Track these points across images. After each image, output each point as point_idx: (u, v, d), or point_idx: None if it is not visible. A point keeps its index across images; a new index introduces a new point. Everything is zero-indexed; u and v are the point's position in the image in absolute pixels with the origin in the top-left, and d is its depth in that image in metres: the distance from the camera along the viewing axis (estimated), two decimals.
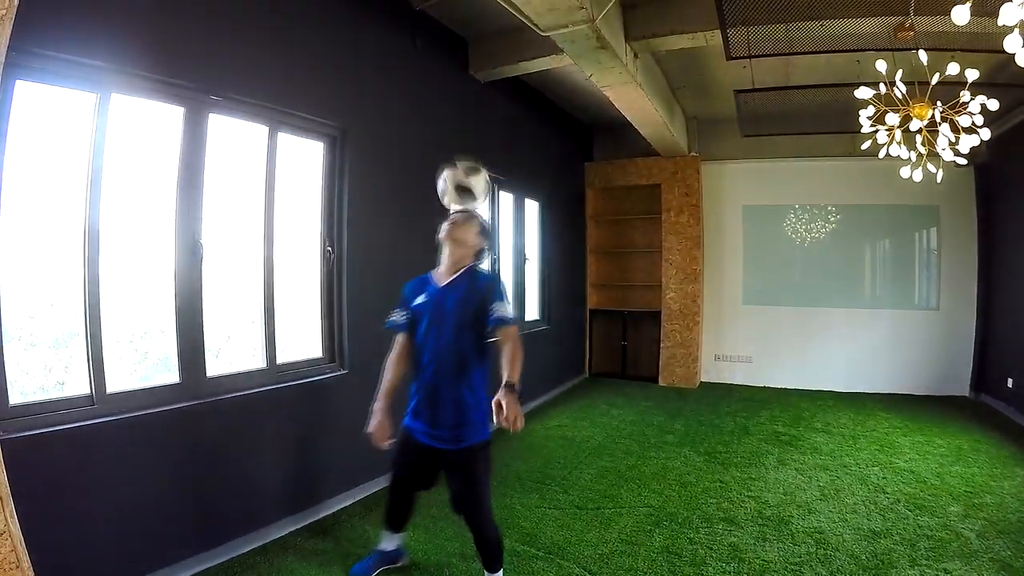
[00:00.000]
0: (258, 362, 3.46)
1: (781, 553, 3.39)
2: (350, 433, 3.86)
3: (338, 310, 3.89)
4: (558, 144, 7.36)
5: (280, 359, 3.55)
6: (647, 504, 4.02)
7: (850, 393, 7.39)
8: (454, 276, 2.75)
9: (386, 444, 2.76)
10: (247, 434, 3.26)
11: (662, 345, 7.84)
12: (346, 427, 3.85)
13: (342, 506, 3.86)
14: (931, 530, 3.68)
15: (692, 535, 3.58)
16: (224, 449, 3.13)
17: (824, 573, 3.18)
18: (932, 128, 4.16)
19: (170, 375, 3.01)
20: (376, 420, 2.78)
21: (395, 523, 3.02)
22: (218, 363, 3.27)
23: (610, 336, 8.30)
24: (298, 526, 3.55)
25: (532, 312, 6.83)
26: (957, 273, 7.22)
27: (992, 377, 6.84)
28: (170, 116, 3.01)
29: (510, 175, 6.01)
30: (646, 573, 3.15)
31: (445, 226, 2.78)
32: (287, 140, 3.63)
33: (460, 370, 2.65)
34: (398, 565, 3.12)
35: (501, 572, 2.82)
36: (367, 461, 4.00)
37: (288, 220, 3.65)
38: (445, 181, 2.92)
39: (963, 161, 4.43)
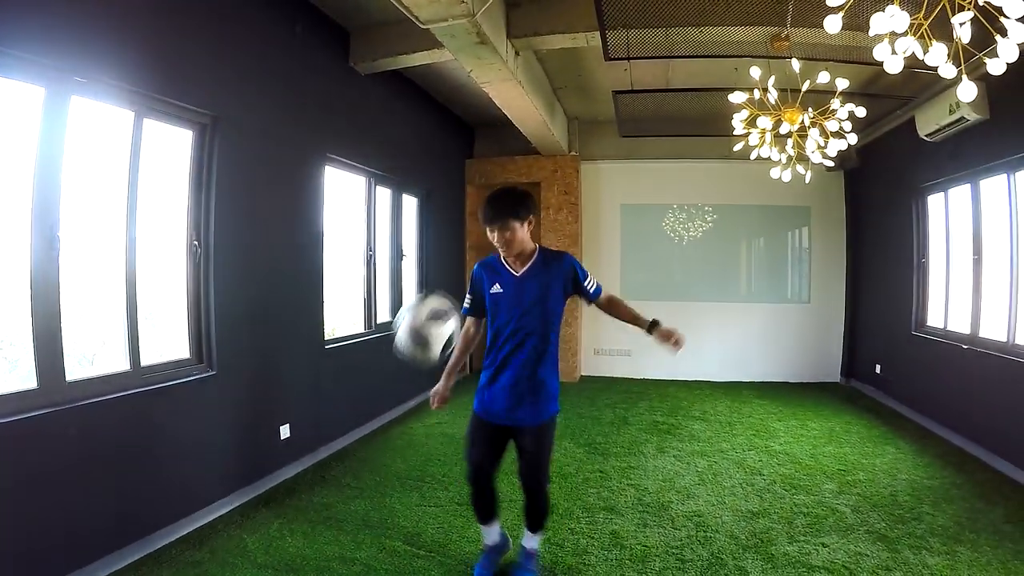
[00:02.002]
0: (121, 364, 3.23)
1: (662, 537, 3.56)
2: (222, 437, 3.72)
3: (206, 309, 3.69)
4: (439, 140, 7.34)
5: (145, 361, 3.32)
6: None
7: (727, 383, 7.85)
8: (529, 264, 2.85)
9: (441, 406, 3.04)
10: (111, 442, 3.03)
11: None
12: (217, 430, 3.70)
13: (217, 515, 3.67)
14: (807, 507, 3.97)
15: (573, 525, 3.69)
16: (87, 459, 2.90)
17: (705, 554, 3.36)
18: (802, 133, 4.50)
19: (26, 381, 2.76)
20: (441, 386, 3.05)
21: (486, 515, 3.06)
22: (79, 368, 3.02)
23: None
24: (172, 538, 3.35)
25: None
26: (827, 269, 7.85)
27: (861, 364, 7.52)
28: (29, 97, 2.75)
29: (388, 170, 5.93)
30: None
31: (491, 235, 2.79)
32: (154, 127, 3.41)
33: (543, 350, 2.82)
34: (507, 552, 3.22)
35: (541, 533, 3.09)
36: (240, 467, 3.89)
37: (153, 213, 3.42)
38: (405, 319, 2.86)
39: (831, 164, 4.81)
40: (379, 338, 5.71)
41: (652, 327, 2.87)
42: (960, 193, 5.46)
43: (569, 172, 7.81)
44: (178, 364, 3.55)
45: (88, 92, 2.97)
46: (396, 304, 6.30)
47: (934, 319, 5.97)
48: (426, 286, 6.97)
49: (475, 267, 2.94)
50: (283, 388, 4.34)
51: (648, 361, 7.93)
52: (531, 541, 3.09)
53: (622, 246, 8.21)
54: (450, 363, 3.04)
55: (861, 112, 4.19)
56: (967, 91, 2.47)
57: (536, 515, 2.98)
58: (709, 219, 8.01)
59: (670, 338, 2.83)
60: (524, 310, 2.80)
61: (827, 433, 5.63)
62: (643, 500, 4.08)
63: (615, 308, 2.99)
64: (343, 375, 5.09)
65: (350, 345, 5.25)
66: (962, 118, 4.79)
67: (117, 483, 3.04)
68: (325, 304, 4.86)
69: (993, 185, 4.97)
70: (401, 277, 6.43)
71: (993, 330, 4.93)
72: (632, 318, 2.94)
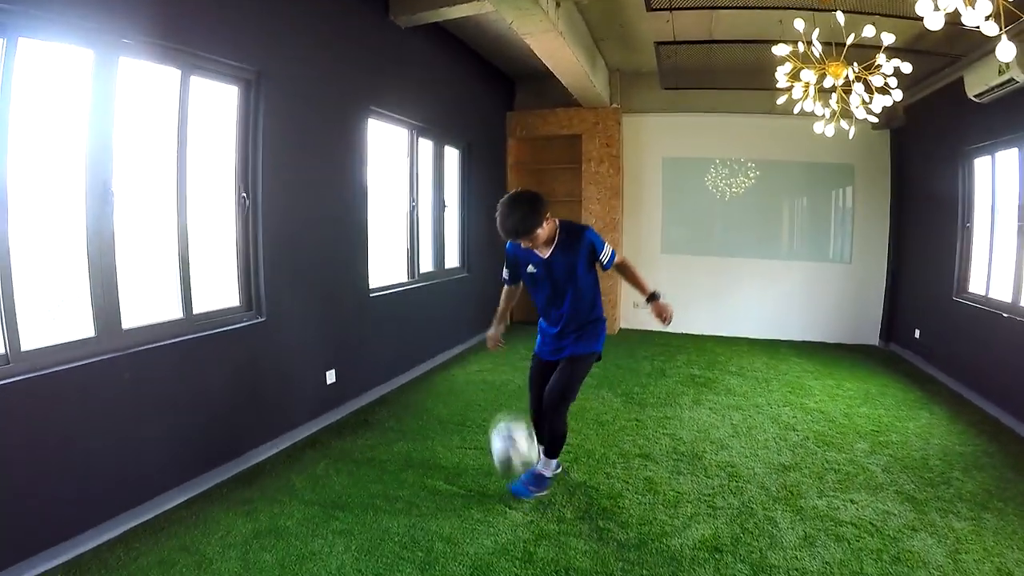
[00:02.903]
0: (175, 312, 3.40)
1: (695, 485, 3.69)
2: (270, 382, 3.91)
3: (254, 258, 3.84)
4: (480, 93, 7.34)
5: (197, 309, 3.49)
6: (566, 443, 4.22)
7: (764, 340, 7.85)
8: (553, 246, 3.21)
9: (495, 347, 3.67)
10: (167, 387, 3.22)
11: None
12: (266, 375, 3.89)
13: (265, 456, 3.89)
14: (838, 465, 4.04)
15: (609, 470, 3.83)
16: (144, 403, 3.09)
17: (735, 503, 3.48)
18: (847, 88, 4.40)
19: (85, 329, 2.92)
20: (493, 331, 3.63)
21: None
22: (134, 315, 3.18)
23: None
24: (223, 478, 3.56)
25: (452, 260, 6.89)
26: (869, 230, 7.66)
27: (900, 328, 7.42)
28: (79, 60, 2.86)
29: (430, 122, 5.99)
30: (565, 506, 3.37)
31: (525, 241, 3.12)
32: (201, 84, 3.50)
33: (582, 309, 3.31)
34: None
35: (557, 460, 3.54)
36: (287, 411, 4.09)
37: (202, 167, 3.55)
38: (504, 442, 3.23)
39: (876, 120, 4.69)
40: (421, 287, 5.86)
41: (651, 298, 3.38)
42: (1007, 157, 5.28)
43: (610, 124, 7.74)
44: (228, 311, 3.73)
45: (135, 53, 3.07)
46: (439, 255, 6.43)
47: (976, 286, 5.84)
48: (468, 237, 7.07)
49: (508, 246, 3.33)
50: (329, 335, 4.52)
51: (687, 316, 7.90)
52: (542, 465, 3.46)
53: (663, 200, 8.14)
54: (498, 313, 3.60)
55: (907, 68, 4.07)
56: (1006, 51, 2.42)
57: (550, 437, 3.38)
58: (752, 175, 7.86)
59: (661, 313, 3.36)
60: (558, 284, 3.25)
61: (863, 394, 5.63)
62: (678, 449, 4.19)
63: (625, 271, 3.43)
64: (386, 323, 5.26)
65: (394, 294, 5.41)
66: (1011, 79, 4.58)
67: (169, 426, 3.22)
68: (370, 254, 5.00)
69: None
70: (444, 228, 6.53)
71: None
72: (636, 283, 3.43)
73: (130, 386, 3.01)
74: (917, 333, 6.86)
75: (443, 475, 3.69)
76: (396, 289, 5.50)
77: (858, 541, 3.11)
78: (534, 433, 3.34)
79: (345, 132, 4.66)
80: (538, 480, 3.45)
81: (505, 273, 3.43)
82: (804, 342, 7.82)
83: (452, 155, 6.78)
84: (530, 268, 3.26)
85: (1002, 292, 5.28)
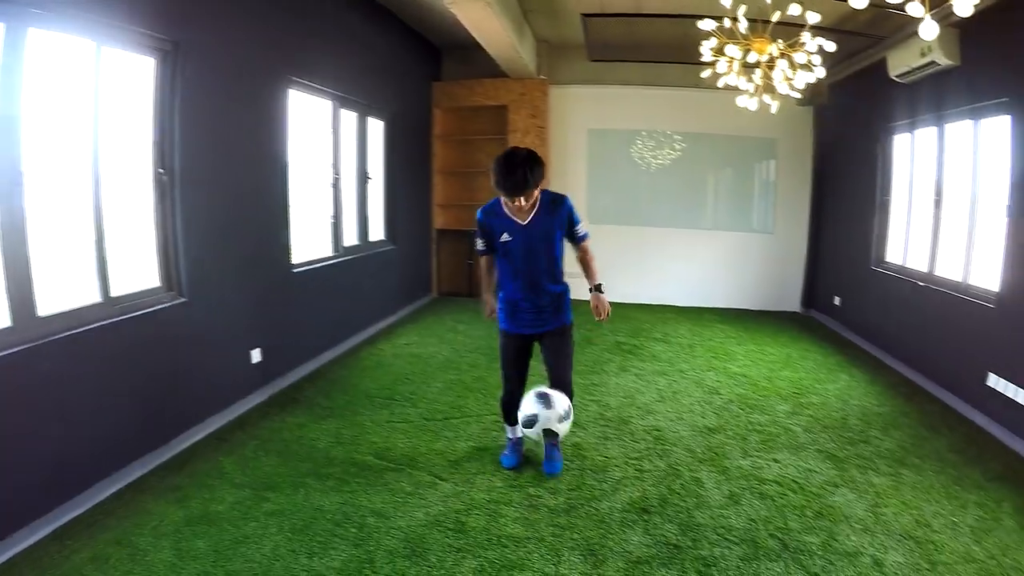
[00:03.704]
0: (93, 296, 3.18)
1: (622, 450, 3.77)
2: (195, 364, 3.75)
3: (173, 236, 3.63)
4: (405, 62, 7.16)
5: (116, 292, 3.27)
6: (493, 412, 4.25)
7: (690, 308, 8.05)
8: (533, 213, 3.12)
9: (490, 316, 3.45)
10: (89, 375, 3.03)
11: None
12: (190, 357, 3.72)
13: (194, 440, 3.74)
14: (761, 426, 4.19)
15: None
16: (67, 394, 2.90)
17: (662, 465, 3.58)
18: (771, 64, 4.50)
19: (1, 319, 2.69)
20: (489, 305, 3.43)
21: (514, 419, 3.35)
22: (50, 302, 2.93)
23: (457, 256, 8.41)
24: (153, 465, 3.41)
25: (377, 233, 6.75)
26: (791, 202, 7.96)
27: (820, 295, 7.76)
28: None
29: (353, 93, 5.81)
30: (493, 475, 3.40)
31: (512, 201, 3.00)
32: (116, 56, 3.25)
33: (556, 275, 3.27)
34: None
35: None
36: (214, 392, 3.95)
37: (117, 143, 3.31)
38: (537, 414, 2.99)
39: (799, 96, 4.82)
40: (346, 261, 5.73)
41: (596, 288, 3.35)
42: (925, 135, 5.52)
43: (537, 95, 7.72)
44: (149, 293, 3.52)
45: (46, 23, 2.81)
46: (363, 228, 6.28)
47: (893, 255, 6.13)
48: (393, 209, 6.95)
49: (479, 215, 3.20)
50: (253, 313, 4.35)
51: (613, 285, 7.89)
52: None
53: (588, 171, 8.20)
54: (485, 285, 3.44)
55: (831, 47, 4.19)
56: (929, 29, 2.51)
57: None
58: (677, 147, 8.01)
59: (599, 307, 3.32)
60: (533, 253, 3.16)
61: (784, 359, 5.85)
62: (604, 415, 4.27)
63: (585, 256, 3.38)
64: (312, 299, 5.12)
65: (318, 269, 5.26)
66: (932, 62, 4.79)
67: (94, 416, 3.05)
68: (292, 229, 4.83)
69: (958, 130, 5.02)
70: (367, 200, 6.38)
71: (949, 269, 5.08)
72: (590, 269, 3.40)
73: (51, 376, 2.80)
74: (837, 300, 7.17)
75: (372, 450, 3.65)
76: (320, 264, 5.33)
77: (782, 498, 3.24)
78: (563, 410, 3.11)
79: (265, 104, 4.46)
80: (556, 446, 3.53)
81: (480, 244, 3.27)
82: (728, 309, 8.07)
83: (376, 126, 6.60)
84: (504, 237, 3.15)
85: (918, 262, 5.55)
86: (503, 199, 3.06)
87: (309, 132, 5.27)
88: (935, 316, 5.08)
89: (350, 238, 6.00)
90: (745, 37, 4.30)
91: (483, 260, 3.38)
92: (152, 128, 3.52)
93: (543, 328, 3.29)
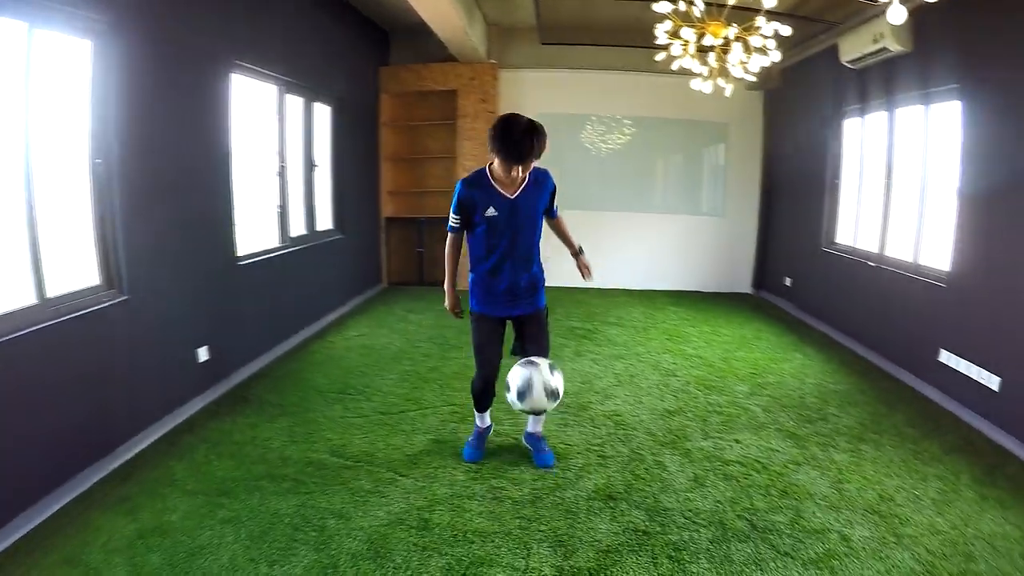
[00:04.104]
0: (28, 298, 2.90)
1: (583, 436, 3.72)
2: (139, 365, 3.52)
3: (112, 231, 3.37)
4: (352, 46, 6.94)
5: (52, 292, 3.00)
6: (450, 403, 4.17)
7: (642, 291, 8.07)
8: (522, 187, 2.99)
9: (458, 314, 3.34)
10: (26, 383, 2.77)
11: None
12: (134, 359, 3.48)
13: (141, 447, 3.48)
14: (720, 407, 4.20)
15: (496, 427, 3.76)
16: (2, 405, 2.65)
17: (624, 450, 3.54)
18: (726, 48, 4.47)
19: None
20: (450, 301, 3.30)
21: (488, 403, 3.40)
22: None
23: (406, 244, 8.25)
24: (99, 476, 3.14)
25: (324, 222, 6.53)
26: (742, 185, 8.05)
27: (771, 276, 7.88)
28: None
29: (299, 77, 5.56)
30: (455, 469, 3.30)
31: (511, 171, 2.84)
32: (49, 38, 2.98)
33: (535, 255, 3.18)
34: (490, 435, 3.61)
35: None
36: (160, 395, 3.71)
37: (50, 132, 3.04)
38: (531, 380, 2.83)
39: (753, 80, 4.81)
40: (293, 252, 5.52)
41: (579, 252, 3.40)
42: (876, 119, 5.61)
43: (487, 80, 7.59)
44: (88, 292, 3.26)
45: None
46: (310, 217, 6.06)
47: (844, 237, 6.24)
48: (341, 198, 6.74)
49: (461, 188, 2.98)
50: (199, 309, 4.12)
51: (562, 269, 7.87)
52: (537, 425, 3.46)
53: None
54: (449, 274, 3.27)
55: (786, 31, 4.18)
56: (897, 14, 2.50)
57: None
58: (628, 132, 7.99)
59: (587, 267, 3.40)
60: (518, 229, 3.03)
61: (738, 339, 5.90)
62: (563, 401, 4.17)
63: (560, 225, 3.40)
64: (258, 292, 4.90)
65: (264, 261, 5.03)
66: (884, 48, 4.85)
67: (35, 427, 2.80)
68: (237, 219, 4.58)
69: (909, 114, 5.10)
70: (314, 189, 6.16)
71: (899, 250, 5.18)
72: (566, 239, 3.42)
73: None
74: (788, 281, 7.29)
75: (328, 448, 3.50)
76: (267, 255, 5.11)
77: (746, 478, 3.24)
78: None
79: (209, 88, 4.22)
80: (542, 439, 3.48)
81: (455, 220, 3.05)
82: (680, 292, 8.13)
83: (323, 112, 6.37)
84: (490, 211, 2.95)
85: (869, 243, 5.65)
86: (493, 170, 2.93)
87: (254, 118, 5.03)
88: (887, 296, 5.18)
89: (297, 228, 5.78)
90: (700, 20, 4.26)
91: (452, 240, 3.18)
92: (88, 115, 3.25)
93: (517, 311, 3.16)
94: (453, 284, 3.29)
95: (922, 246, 4.87)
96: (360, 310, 6.86)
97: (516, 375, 2.85)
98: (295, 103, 5.72)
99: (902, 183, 5.21)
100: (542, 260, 3.26)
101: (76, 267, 3.27)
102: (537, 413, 3.14)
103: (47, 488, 2.86)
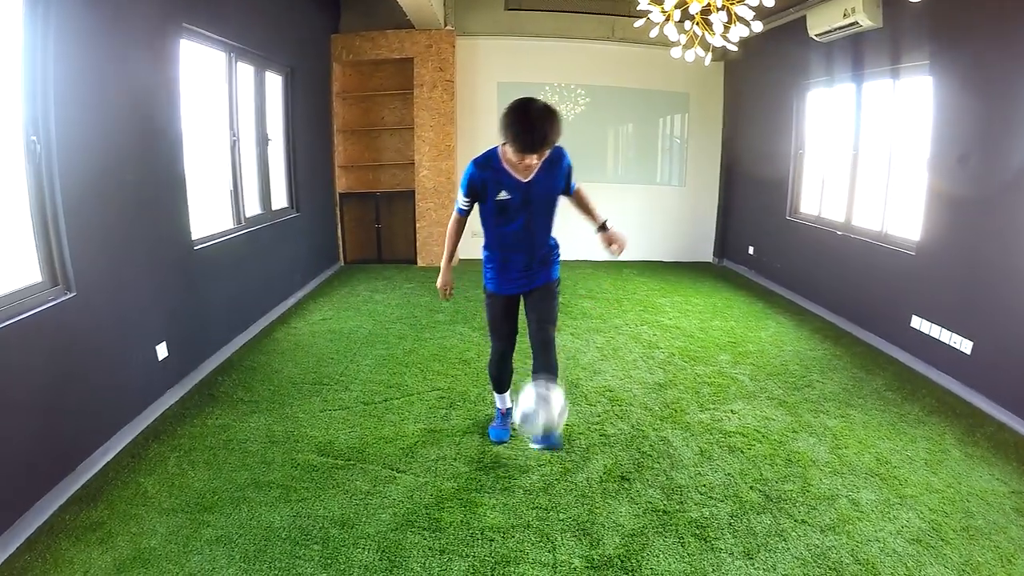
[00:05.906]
0: None
1: (580, 415, 3.63)
2: (93, 370, 3.16)
3: (54, 218, 2.98)
4: (301, 10, 6.52)
5: None
6: (435, 387, 4.01)
7: (606, 262, 7.99)
8: (537, 169, 2.83)
9: (449, 297, 3.25)
10: None
11: (418, 225, 7.75)
12: (86, 363, 3.12)
13: (104, 462, 3.10)
14: (709, 377, 4.18)
15: (489, 411, 3.65)
16: None
17: (625, 427, 3.48)
18: (705, 14, 4.33)
19: None
20: (444, 279, 3.19)
21: (506, 384, 3.34)
22: None
23: (363, 220, 7.96)
24: (62, 500, 2.76)
25: (280, 200, 6.18)
26: (703, 154, 8.06)
27: (733, 245, 7.95)
28: None
29: (249, 43, 5.15)
30: (455, 459, 3.15)
31: (524, 159, 2.67)
32: None
33: (547, 235, 3.05)
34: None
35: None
36: (119, 401, 3.37)
37: None
38: (535, 415, 2.63)
39: (734, 48, 4.70)
40: (249, 233, 5.18)
41: (603, 227, 3.11)
42: (843, 92, 5.63)
43: (445, 48, 7.30)
44: (30, 291, 2.85)
45: None
46: (265, 195, 5.71)
47: (808, 207, 6.32)
48: (295, 173, 6.39)
49: (472, 169, 2.85)
50: (153, 302, 3.78)
51: None
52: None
53: (498, 125, 7.87)
54: (444, 257, 3.15)
55: (770, 1, 4.08)
56: None
57: (550, 372, 2.92)
58: (582, 101, 7.86)
59: (614, 241, 3.05)
60: (532, 212, 2.90)
61: (710, 308, 5.92)
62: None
63: (581, 198, 3.17)
64: (216, 278, 4.58)
65: (220, 244, 4.67)
66: (855, 23, 4.84)
67: None
68: (189, 200, 4.23)
69: (877, 88, 5.13)
70: (268, 165, 5.81)
71: (866, 220, 5.26)
72: (591, 211, 3.18)
73: None
74: (751, 250, 7.34)
75: (314, 446, 3.26)
76: (222, 238, 4.76)
77: (750, 449, 3.23)
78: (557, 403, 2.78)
79: (154, 55, 3.82)
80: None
81: (464, 202, 2.93)
82: (645, 262, 8.13)
83: (274, 82, 6.00)
84: (502, 195, 2.83)
85: (835, 212, 5.72)
86: (505, 152, 2.77)
87: (203, 89, 4.66)
88: (856, 264, 5.27)
89: (252, 207, 5.44)
90: None
91: (456, 220, 3.04)
92: (21, 87, 2.86)
93: (531, 285, 3.05)
94: (450, 264, 3.18)
95: (889, 216, 4.95)
96: (321, 292, 6.57)
97: (526, 401, 2.67)
98: (246, 72, 5.34)
99: (869, 154, 5.25)
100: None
101: (14, 264, 2.89)
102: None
103: (7, 520, 2.50)
